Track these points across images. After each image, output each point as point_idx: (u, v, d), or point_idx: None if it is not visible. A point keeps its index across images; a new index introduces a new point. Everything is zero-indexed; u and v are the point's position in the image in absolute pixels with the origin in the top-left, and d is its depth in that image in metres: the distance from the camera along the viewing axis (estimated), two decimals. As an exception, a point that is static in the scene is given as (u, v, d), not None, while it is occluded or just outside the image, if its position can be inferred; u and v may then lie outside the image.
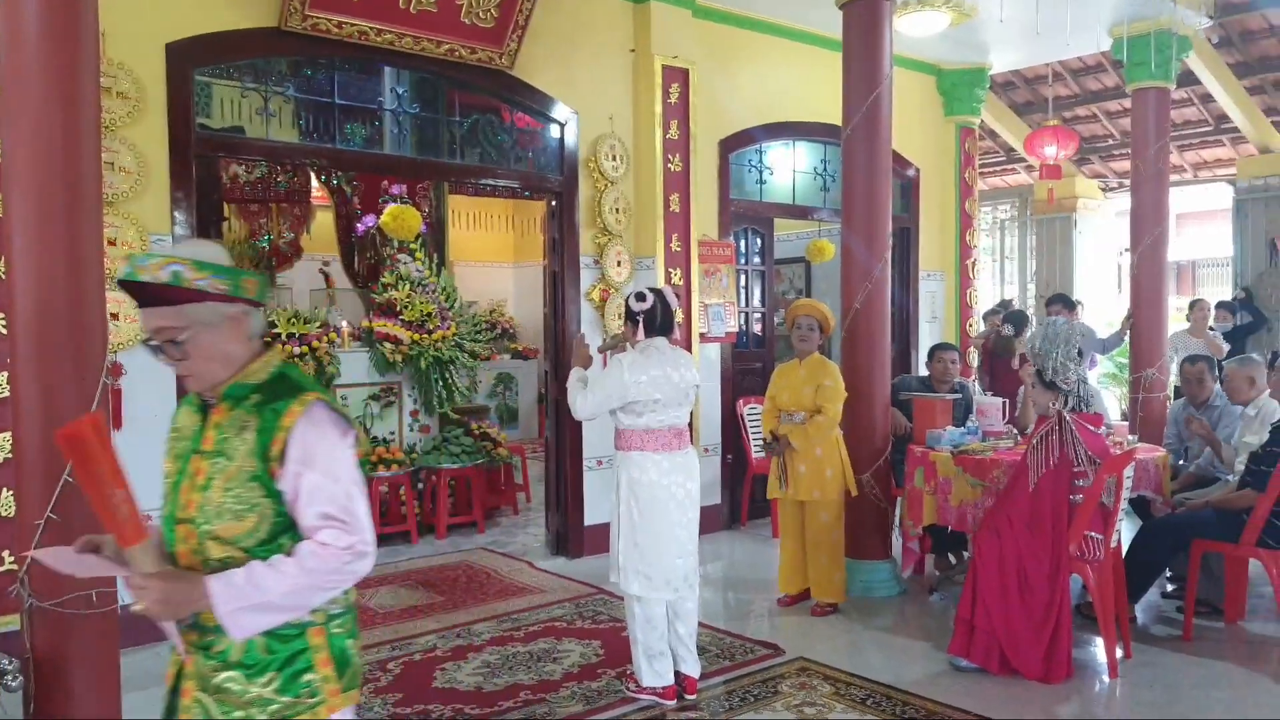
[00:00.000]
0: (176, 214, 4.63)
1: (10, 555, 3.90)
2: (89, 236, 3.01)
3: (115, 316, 4.36)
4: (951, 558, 5.62)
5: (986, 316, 8.55)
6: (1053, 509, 4.05)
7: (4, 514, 3.91)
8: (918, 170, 8.07)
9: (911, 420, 5.43)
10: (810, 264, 9.03)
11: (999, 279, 12.66)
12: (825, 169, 7.49)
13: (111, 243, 4.35)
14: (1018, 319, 7.44)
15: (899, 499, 5.31)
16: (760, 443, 6.70)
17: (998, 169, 12.76)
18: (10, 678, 2.71)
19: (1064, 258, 12.08)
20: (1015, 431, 5.19)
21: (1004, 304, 9.09)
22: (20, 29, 2.92)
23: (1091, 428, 4.25)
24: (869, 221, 5.29)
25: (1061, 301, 7.28)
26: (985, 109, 8.87)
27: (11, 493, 3.69)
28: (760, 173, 7.11)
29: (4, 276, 3.25)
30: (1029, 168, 12.13)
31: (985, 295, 10.04)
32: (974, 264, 8.51)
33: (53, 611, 2.89)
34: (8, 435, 3.73)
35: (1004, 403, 5.50)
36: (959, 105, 8.22)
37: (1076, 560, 4.05)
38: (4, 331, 3.74)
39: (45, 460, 2.89)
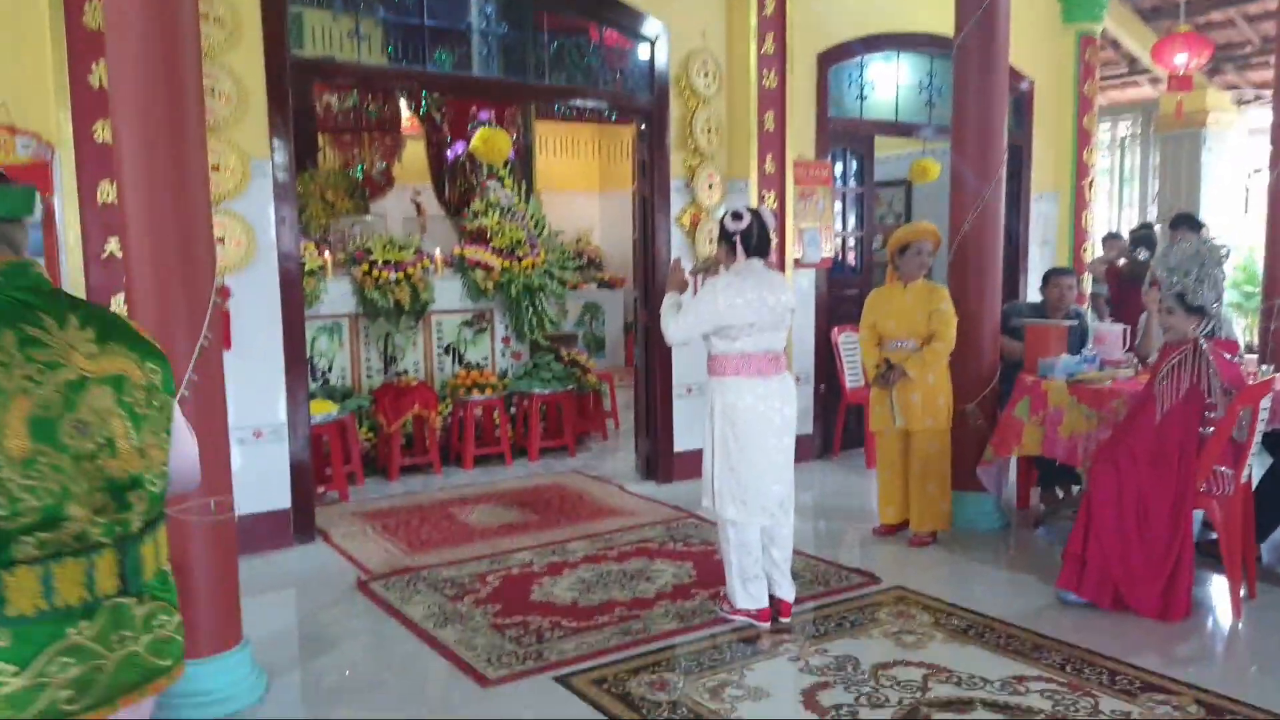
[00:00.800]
0: (275, 140, 4.68)
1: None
2: (193, 160, 3.05)
3: (221, 240, 4.48)
4: (1059, 491, 5.41)
5: (1106, 241, 8.09)
6: (1180, 442, 3.82)
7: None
8: (1031, 83, 7.59)
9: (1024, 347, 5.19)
10: (911, 186, 8.67)
11: (1117, 201, 11.96)
12: (931, 83, 7.08)
13: (215, 168, 4.43)
14: (1149, 239, 7.01)
15: (999, 427, 5.11)
16: (856, 372, 6.57)
17: (1119, 81, 11.90)
18: None
19: (1190, 179, 11.29)
20: (1136, 360, 4.91)
21: (1144, 226, 8.50)
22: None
23: (1228, 355, 3.97)
24: (981, 139, 4.98)
25: (1187, 223, 6.81)
26: (1108, 14, 8.25)
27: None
28: (861, 88, 6.78)
29: (117, 201, 3.34)
30: (1154, 80, 11.29)
31: (1101, 219, 9.52)
32: (1091, 185, 8.02)
33: (175, 518, 3.03)
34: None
35: (1125, 330, 5.20)
36: (1079, 10, 7.65)
37: (1203, 495, 3.83)
38: (119, 255, 3.90)
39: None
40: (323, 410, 5.47)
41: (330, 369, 6.34)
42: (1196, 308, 3.89)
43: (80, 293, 4.12)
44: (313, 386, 6.10)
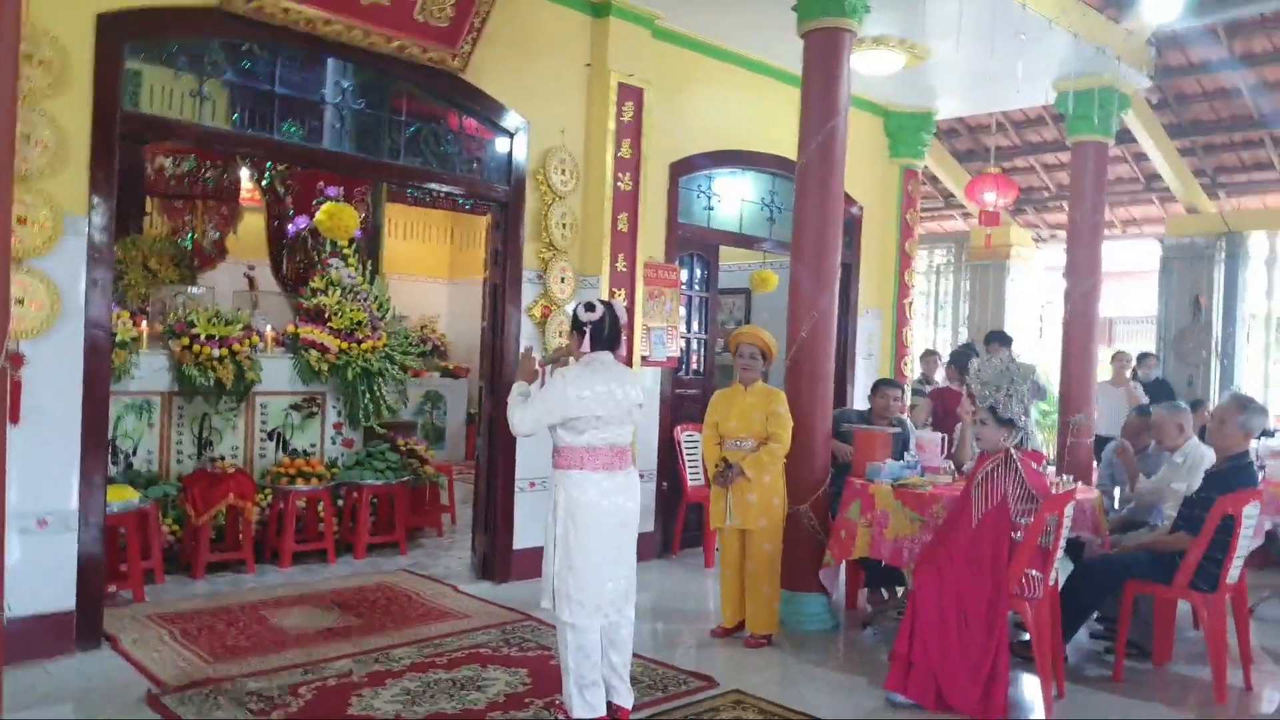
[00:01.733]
0: (95, 197, 4.32)
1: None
2: (-5, 209, 2.76)
3: (20, 301, 4.06)
4: (884, 592, 5.56)
5: (924, 358, 8.59)
6: (994, 545, 4.02)
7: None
8: (861, 208, 8.13)
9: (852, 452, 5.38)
10: (751, 294, 9.00)
11: (933, 322, 12.87)
12: (773, 200, 7.47)
13: (21, 220, 4.06)
14: (970, 357, 7.48)
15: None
16: (697, 470, 6.61)
17: (936, 214, 13.01)
18: None
19: (996, 303, 12.35)
20: (953, 467, 5.18)
21: (966, 346, 9.10)
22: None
23: (1035, 465, 4.24)
24: (818, 252, 5.27)
25: (999, 339, 7.36)
26: (929, 153, 9.01)
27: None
28: (709, 199, 7.06)
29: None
30: (966, 214, 12.40)
31: (920, 336, 10.16)
32: (910, 304, 8.58)
33: None
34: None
35: (943, 438, 5.51)
36: (904, 148, 8.33)
37: (1015, 598, 4.01)
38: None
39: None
40: (122, 497, 4.95)
41: (135, 451, 5.78)
42: (1007, 420, 4.17)
43: None
44: (113, 470, 5.54)
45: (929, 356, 9.22)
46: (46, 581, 4.17)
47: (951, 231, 13.16)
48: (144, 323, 5.92)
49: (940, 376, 8.71)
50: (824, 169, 5.25)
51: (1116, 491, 6.13)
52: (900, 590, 5.46)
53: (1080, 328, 7.30)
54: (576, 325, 3.65)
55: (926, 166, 9.56)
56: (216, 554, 5.72)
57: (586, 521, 3.52)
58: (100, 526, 4.38)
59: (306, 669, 4.15)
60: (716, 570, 6.27)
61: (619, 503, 3.59)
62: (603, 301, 3.68)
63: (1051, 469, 6.34)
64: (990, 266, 12.32)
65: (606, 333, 3.63)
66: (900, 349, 8.50)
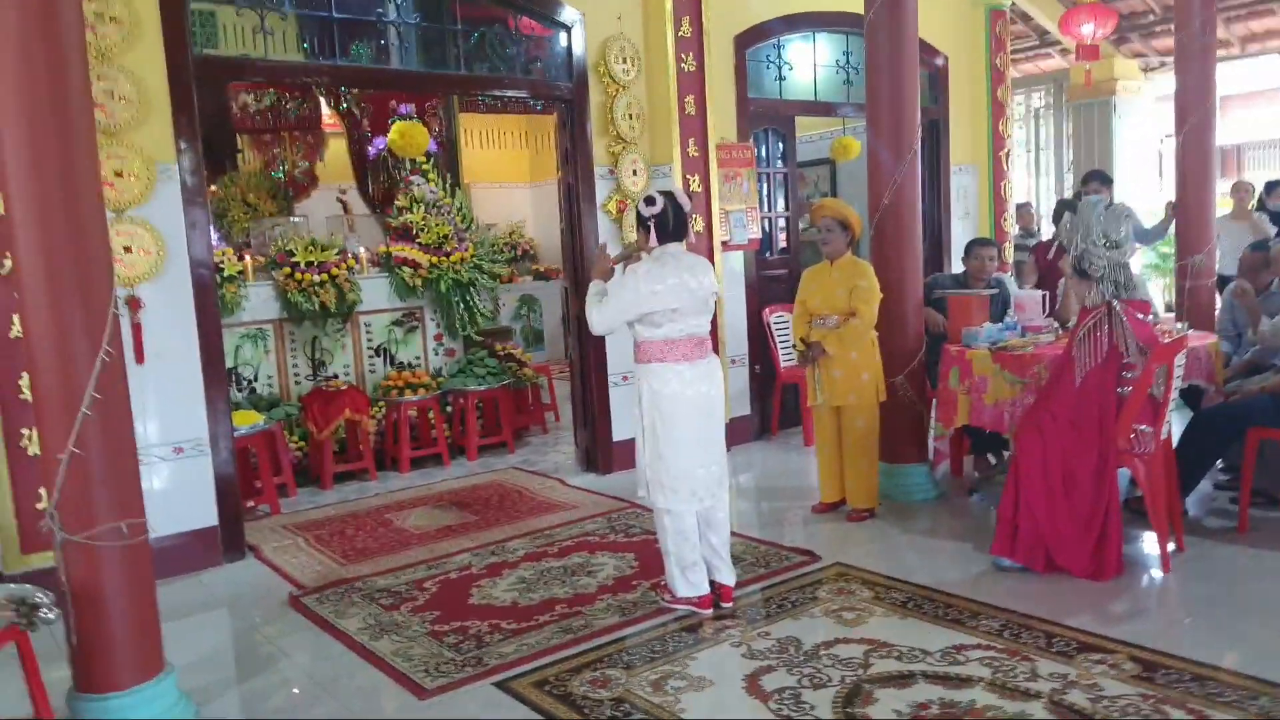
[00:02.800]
0: (181, 142, 4.50)
1: (45, 492, 3.97)
2: (83, 166, 2.92)
3: (129, 250, 4.31)
4: (991, 458, 5.51)
5: (1019, 211, 8.23)
6: (1100, 403, 3.91)
7: (36, 452, 3.96)
8: (946, 58, 7.69)
9: (947, 318, 5.27)
10: (835, 164, 8.74)
11: (1034, 170, 12.22)
12: (848, 61, 7.13)
13: (119, 174, 4.28)
14: (1072, 207, 7.13)
15: (933, 400, 5.18)
16: (789, 351, 6.61)
17: (1031, 53, 12.18)
18: (46, 610, 2.74)
19: (1103, 146, 11.59)
20: (1056, 325, 5.01)
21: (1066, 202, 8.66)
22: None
23: (1141, 315, 4.06)
24: (895, 114, 5.03)
25: (1098, 179, 6.93)
26: (1016, -11, 8.41)
27: (35, 431, 3.71)
28: (779, 69, 6.79)
29: (4, 213, 3.18)
30: (1064, 51, 11.56)
31: (1020, 188, 9.70)
32: (1007, 155, 8.17)
33: (84, 544, 2.91)
34: (26, 376, 3.75)
35: (1044, 296, 5.31)
36: (988, -14, 7.79)
37: (1125, 454, 3.91)
38: (10, 268, 3.72)
39: (63, 396, 2.89)
40: (248, 421, 5.31)
41: (256, 377, 6.16)
42: (1083, 272, 3.99)
43: (-24, 313, 3.93)
44: (238, 396, 5.93)
45: (1024, 209, 8.80)
46: (190, 502, 4.55)
47: (1048, 71, 12.31)
48: (248, 256, 6.20)
49: (1045, 230, 8.32)
50: (894, 22, 4.96)
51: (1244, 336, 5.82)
52: (1007, 455, 5.40)
53: (1196, 160, 6.77)
54: (641, 221, 3.65)
55: (1015, 3, 8.93)
56: (341, 465, 6.11)
57: (671, 412, 3.59)
58: (230, 449, 4.73)
59: (430, 565, 4.45)
60: (815, 448, 6.38)
61: (702, 391, 3.64)
62: (662, 193, 3.65)
63: (1169, 315, 6.05)
64: (1094, 105, 11.51)
65: (671, 224, 3.61)
66: (999, 204, 8.14)
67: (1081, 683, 3.00)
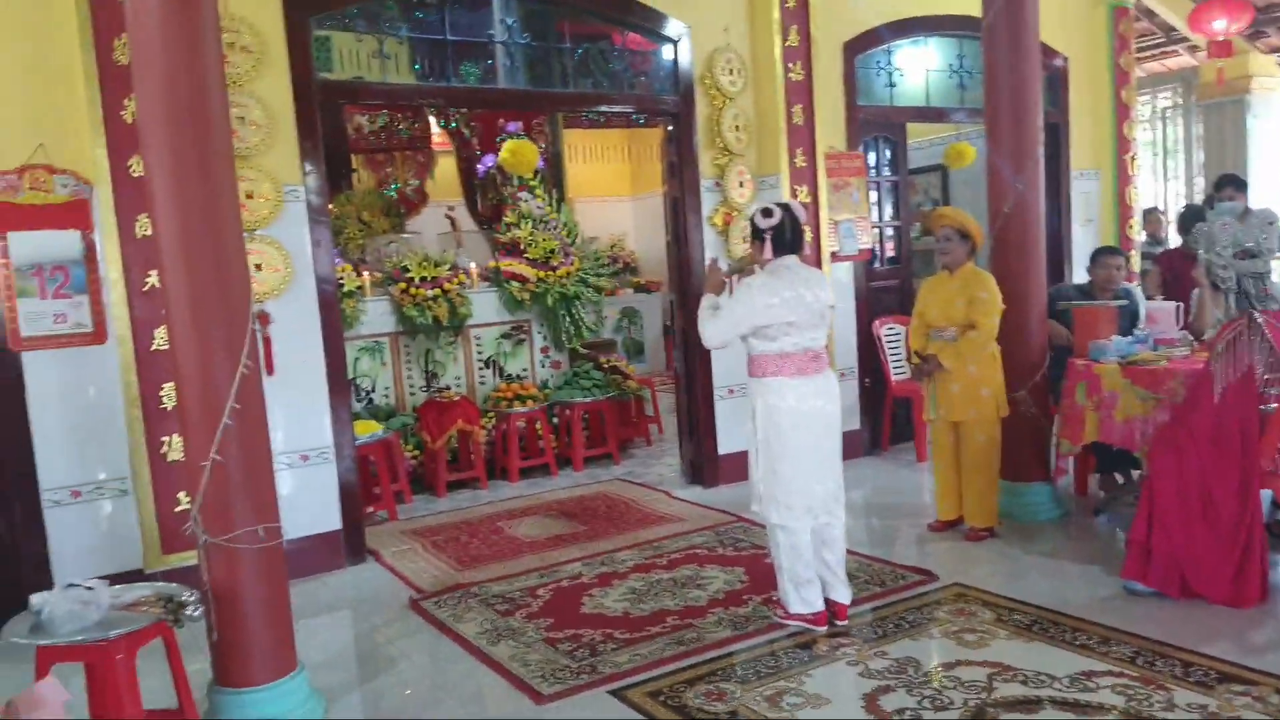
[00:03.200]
0: (307, 164, 4.71)
1: (186, 496, 4.19)
2: (223, 189, 3.09)
3: (259, 267, 4.51)
4: (1118, 477, 5.26)
5: (1146, 215, 7.86)
6: (1241, 420, 3.69)
7: (176, 458, 4.20)
8: (1065, 59, 7.42)
9: (1071, 331, 5.07)
10: (948, 170, 8.52)
11: (1161, 175, 11.65)
12: (961, 65, 6.95)
13: (249, 196, 4.49)
14: (1201, 215, 6.78)
15: (1056, 416, 4.98)
16: (900, 364, 6.48)
17: (1156, 52, 11.62)
18: (192, 608, 2.89)
19: (1236, 147, 10.94)
20: (1191, 338, 4.75)
21: (1194, 210, 8.24)
22: (141, -11, 2.96)
23: (1283, 328, 3.82)
24: (1015, 119, 4.88)
25: (1233, 184, 6.55)
26: (1141, -15, 8.05)
27: (180, 437, 3.93)
28: (889, 75, 6.68)
29: (152, 234, 3.37)
30: (1193, 47, 10.99)
31: (1147, 193, 9.27)
32: (1133, 159, 7.81)
33: (224, 546, 3.05)
34: (173, 385, 3.97)
35: (1178, 307, 5.03)
36: (1111, -17, 7.49)
37: (1269, 474, 3.67)
38: (158, 285, 3.95)
39: (205, 406, 3.04)
40: (368, 430, 5.50)
41: (373, 388, 6.38)
42: (1217, 284, 3.78)
43: (125, 325, 4.19)
44: (357, 407, 6.15)
45: (1152, 214, 8.36)
46: (315, 507, 4.74)
47: (1176, 70, 11.71)
48: (365, 272, 6.44)
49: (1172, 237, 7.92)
50: (1014, 24, 4.82)
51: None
52: (1136, 474, 5.15)
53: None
54: (756, 233, 3.62)
55: (1139, 0, 8.55)
56: (453, 474, 6.27)
57: (787, 427, 3.55)
58: (353, 457, 4.92)
59: (542, 572, 4.52)
60: (930, 464, 6.21)
61: (818, 406, 3.59)
62: (779, 204, 3.63)
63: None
64: (1226, 104, 10.89)
65: (788, 236, 3.58)
66: (1124, 211, 7.79)
67: (1223, 715, 2.83)
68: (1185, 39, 10.67)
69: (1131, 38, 7.77)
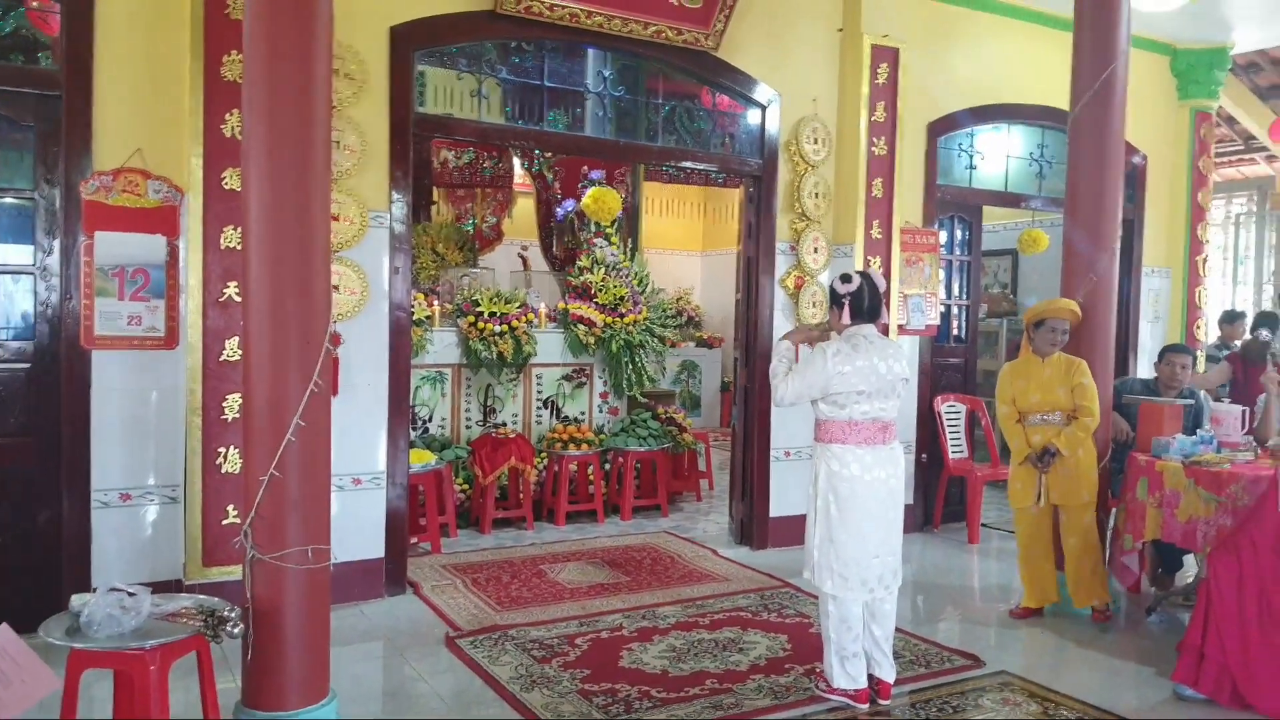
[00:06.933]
0: (395, 193, 4.82)
1: (235, 509, 4.23)
2: (318, 211, 3.14)
3: (337, 288, 4.59)
4: (1170, 576, 5.13)
5: (1223, 321, 7.71)
6: (1307, 532, 3.61)
7: (231, 470, 4.24)
8: (1145, 157, 7.41)
9: (1133, 426, 4.98)
10: (1018, 255, 8.48)
11: (1230, 279, 11.48)
12: (1042, 154, 6.99)
13: (335, 218, 4.57)
14: (1274, 320, 6.69)
15: (1114, 510, 4.89)
16: (959, 442, 6.41)
17: (1234, 158, 11.55)
18: (232, 625, 2.84)
19: (1311, 257, 10.79)
20: (1255, 443, 4.66)
21: (1239, 314, 8.10)
22: (261, 9, 3.07)
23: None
24: (1095, 210, 4.90)
25: None
26: (1224, 92, 8.02)
27: (238, 449, 3.97)
28: (970, 157, 6.72)
29: (240, 246, 3.46)
30: (1270, 157, 10.91)
31: (1215, 296, 9.12)
32: (1204, 261, 7.73)
33: (272, 564, 3.03)
34: (237, 396, 4.04)
35: (1244, 411, 4.95)
36: (1195, 88, 7.51)
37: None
38: (238, 298, 4.05)
39: (271, 420, 3.05)
40: (421, 460, 5.54)
41: (430, 418, 6.44)
42: None
43: (197, 333, 4.24)
44: (413, 435, 6.20)
45: (1237, 320, 8.09)
46: (361, 533, 4.72)
47: (1253, 177, 11.62)
48: (435, 302, 6.55)
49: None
50: (1101, 118, 4.86)
51: None
52: (1194, 576, 5.01)
53: None
54: (835, 299, 3.65)
55: (1221, 107, 8.50)
56: (500, 511, 6.28)
57: (848, 495, 3.53)
58: (405, 485, 4.92)
59: (581, 621, 4.48)
60: (980, 545, 6.12)
61: (881, 477, 3.56)
62: (859, 273, 3.65)
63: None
64: (1302, 215, 10.77)
65: (866, 304, 3.60)
66: (1192, 311, 7.70)
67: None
68: (1264, 148, 10.60)
69: (1211, 142, 7.76)
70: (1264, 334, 6.37)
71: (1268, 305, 10.70)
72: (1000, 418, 4.81)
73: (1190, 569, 5.20)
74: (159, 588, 3.22)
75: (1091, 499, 4.61)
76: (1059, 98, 5.12)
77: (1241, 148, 11.29)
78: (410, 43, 4.82)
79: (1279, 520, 3.69)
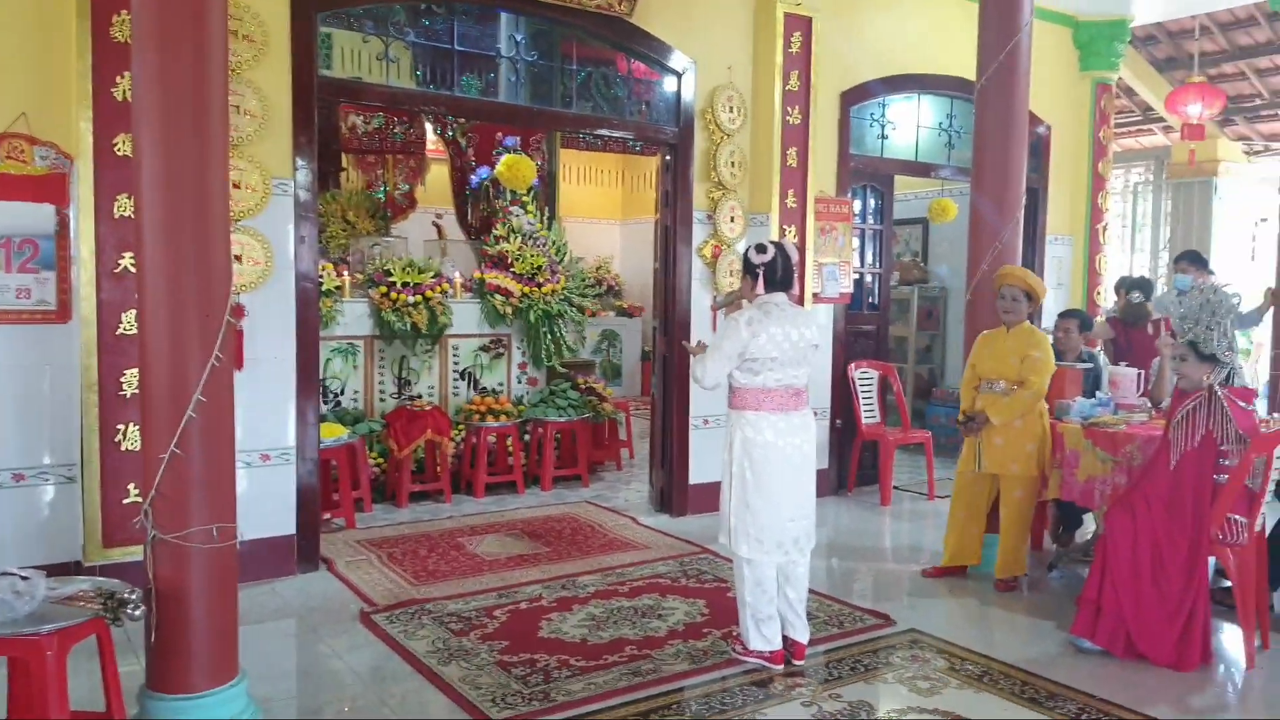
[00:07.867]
0: (299, 159, 4.66)
1: (136, 488, 4.07)
2: (216, 178, 3.00)
3: (239, 259, 4.44)
4: (1073, 536, 5.35)
5: (1116, 289, 8.03)
6: (1195, 489, 3.82)
7: (131, 448, 4.08)
8: (1048, 128, 7.62)
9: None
10: (929, 225, 8.66)
11: (1129, 246, 11.96)
12: (951, 124, 7.13)
13: (236, 185, 4.41)
14: (1145, 284, 6.98)
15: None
16: (871, 408, 6.56)
17: (1133, 129, 11.98)
18: (133, 607, 2.74)
19: (1201, 225, 11.27)
20: (1150, 405, 4.89)
21: (1133, 279, 8.44)
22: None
23: (1242, 404, 3.93)
24: (1000, 179, 5.03)
25: (1190, 259, 6.70)
26: (1124, 64, 8.30)
27: (137, 426, 3.81)
28: (882, 127, 6.82)
29: (134, 215, 3.30)
30: (1167, 128, 11.35)
31: (1115, 263, 9.48)
32: (1105, 229, 8.03)
33: (174, 544, 2.92)
34: (136, 371, 3.87)
35: (1139, 374, 5.19)
36: (1096, 60, 7.75)
37: (1217, 543, 3.80)
38: (134, 269, 3.87)
39: (171, 396, 2.93)
40: (333, 434, 5.42)
41: (343, 391, 6.30)
42: (1209, 356, 3.89)
43: (91, 306, 4.06)
44: (324, 409, 6.06)
45: (1120, 290, 8.43)
46: (271, 509, 4.62)
47: (1150, 148, 12.08)
48: (345, 272, 6.38)
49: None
50: (1006, 89, 4.97)
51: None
52: (1091, 533, 5.24)
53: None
54: (749, 268, 3.67)
55: (1121, 78, 8.81)
56: (417, 485, 6.19)
57: (762, 461, 3.58)
58: (315, 460, 4.82)
59: (500, 593, 4.47)
60: (891, 508, 6.28)
61: (795, 443, 3.63)
62: (773, 242, 3.67)
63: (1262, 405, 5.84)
64: (1194, 184, 11.22)
65: (779, 274, 3.63)
66: (1093, 278, 8.00)
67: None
68: (1161, 119, 11.03)
69: (1111, 113, 8.02)
70: (1136, 295, 6.63)
71: (1163, 272, 11.17)
72: (961, 383, 4.92)
73: (1090, 527, 5.44)
74: (56, 570, 3.12)
75: (1024, 472, 4.61)
76: (967, 68, 5.22)
77: (1140, 119, 11.71)
78: (312, 3, 4.64)
79: (1170, 477, 3.87)
